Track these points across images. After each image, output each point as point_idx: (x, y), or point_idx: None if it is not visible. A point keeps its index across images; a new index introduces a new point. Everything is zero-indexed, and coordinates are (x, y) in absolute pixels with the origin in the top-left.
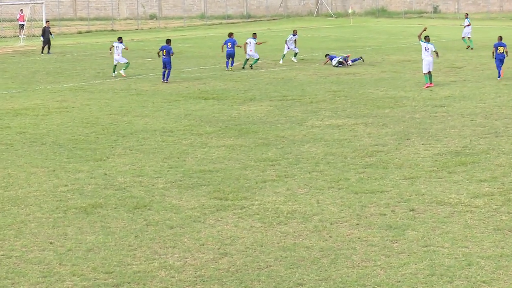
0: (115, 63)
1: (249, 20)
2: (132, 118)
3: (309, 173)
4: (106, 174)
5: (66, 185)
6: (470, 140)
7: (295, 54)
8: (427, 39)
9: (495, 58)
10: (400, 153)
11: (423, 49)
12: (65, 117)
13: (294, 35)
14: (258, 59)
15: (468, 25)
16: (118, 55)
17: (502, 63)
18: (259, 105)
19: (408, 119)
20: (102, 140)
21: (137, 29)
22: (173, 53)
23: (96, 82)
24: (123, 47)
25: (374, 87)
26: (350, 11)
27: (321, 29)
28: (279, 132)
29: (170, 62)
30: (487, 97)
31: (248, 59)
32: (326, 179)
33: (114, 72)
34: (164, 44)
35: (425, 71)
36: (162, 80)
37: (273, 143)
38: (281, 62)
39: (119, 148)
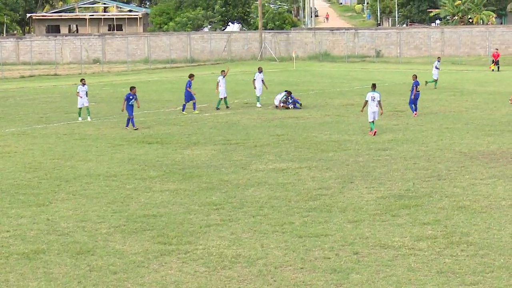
0: (79, 106)
1: (193, 64)
2: (76, 162)
3: (253, 217)
4: (49, 220)
5: (8, 231)
6: (413, 183)
7: (258, 98)
8: (373, 87)
9: (413, 97)
10: (344, 196)
11: (369, 98)
12: (7, 162)
13: (260, 73)
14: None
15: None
16: (82, 97)
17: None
18: (203, 149)
19: (352, 163)
20: (45, 185)
21: (80, 73)
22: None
23: (39, 126)
24: (87, 90)
25: (318, 131)
26: (293, 55)
27: (265, 73)
28: (223, 176)
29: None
30: (429, 140)
31: (224, 98)
32: (271, 223)
33: (80, 116)
34: (129, 92)
35: (370, 119)
36: (126, 127)
37: (217, 187)
38: (259, 105)
39: (62, 193)
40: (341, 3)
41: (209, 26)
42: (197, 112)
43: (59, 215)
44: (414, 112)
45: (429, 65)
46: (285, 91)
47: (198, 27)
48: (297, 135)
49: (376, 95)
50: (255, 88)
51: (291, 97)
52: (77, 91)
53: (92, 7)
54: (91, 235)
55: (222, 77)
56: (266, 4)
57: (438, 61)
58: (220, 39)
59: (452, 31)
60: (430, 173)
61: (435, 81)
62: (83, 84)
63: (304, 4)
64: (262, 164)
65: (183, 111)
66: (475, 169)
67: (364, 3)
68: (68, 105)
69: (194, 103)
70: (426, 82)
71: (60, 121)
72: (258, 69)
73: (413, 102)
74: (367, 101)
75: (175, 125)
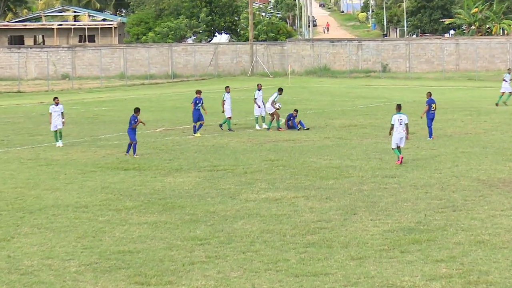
0: (53, 129)
1: (175, 80)
2: (41, 191)
3: (243, 253)
4: (10, 257)
5: None
6: (425, 215)
7: (263, 118)
8: (398, 108)
9: (427, 117)
10: (346, 230)
11: (396, 121)
12: None
13: (259, 90)
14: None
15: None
16: (57, 119)
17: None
18: (186, 176)
19: (355, 192)
20: (6, 217)
21: (47, 91)
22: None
23: (0, 150)
24: (62, 110)
25: (317, 156)
26: (289, 70)
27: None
28: (209, 207)
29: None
30: (443, 166)
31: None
32: (263, 260)
33: (57, 141)
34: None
35: (393, 145)
36: (127, 154)
37: (202, 220)
38: (258, 127)
39: (26, 226)
40: (342, 11)
41: (193, 37)
42: (199, 135)
43: (22, 251)
44: (429, 136)
45: (441, 81)
46: (295, 110)
47: (180, 38)
48: (293, 160)
49: (404, 117)
50: (259, 106)
51: (293, 117)
52: (49, 111)
53: (61, 15)
54: (59, 274)
55: (227, 93)
56: (257, 13)
57: (508, 73)
58: (205, 51)
59: (468, 42)
60: (444, 204)
61: (505, 94)
62: (57, 104)
63: (301, 12)
64: (253, 193)
65: (194, 133)
66: (495, 198)
67: (368, 11)
68: (33, 126)
69: (200, 125)
70: (497, 104)
71: (24, 145)
72: (257, 86)
73: (428, 123)
74: (393, 124)
75: (155, 149)
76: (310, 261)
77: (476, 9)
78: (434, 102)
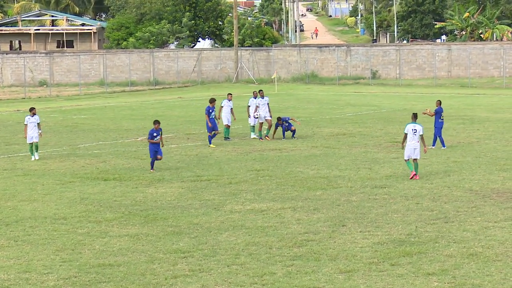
0: (29, 141)
1: (156, 87)
2: (18, 203)
3: (228, 266)
4: None
5: None
6: (416, 227)
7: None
8: (414, 117)
9: (436, 127)
10: (335, 242)
11: (410, 130)
12: None
13: (258, 97)
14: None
15: None
16: (33, 130)
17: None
18: (168, 186)
19: (344, 203)
20: None
21: (24, 98)
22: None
23: None
24: (38, 121)
25: (304, 165)
26: (274, 75)
27: (241, 97)
28: (193, 218)
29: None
30: (434, 177)
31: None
32: (248, 274)
33: (33, 154)
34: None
35: (406, 157)
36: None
37: (186, 232)
38: (252, 136)
39: (2, 239)
40: (330, 16)
41: (175, 43)
42: (213, 146)
43: None
44: (442, 146)
45: (433, 88)
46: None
47: (163, 44)
48: (279, 170)
49: (419, 127)
50: (251, 116)
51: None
52: (25, 123)
53: (38, 20)
54: None
55: (227, 100)
56: (243, 17)
57: None
58: (188, 57)
59: (461, 48)
60: (435, 215)
61: None
62: (33, 115)
63: (287, 17)
64: (238, 205)
65: (210, 144)
66: (488, 209)
67: (357, 15)
68: (9, 135)
69: (214, 134)
70: None
71: (0, 154)
72: (253, 93)
73: (437, 133)
74: (407, 134)
75: (136, 159)
76: (297, 275)
77: (468, 13)
78: (442, 111)
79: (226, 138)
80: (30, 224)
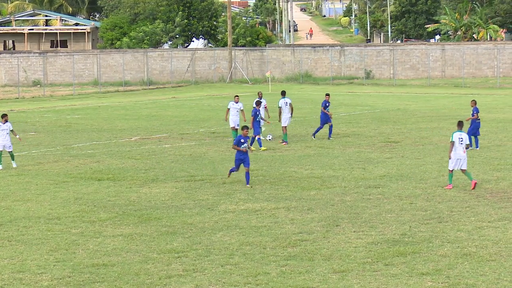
0: (0, 149)
1: (150, 87)
2: (12, 203)
3: (222, 266)
4: None
5: None
6: (410, 227)
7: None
8: (460, 125)
9: (472, 127)
10: (329, 242)
11: (457, 139)
12: None
13: (260, 99)
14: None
15: None
16: (5, 138)
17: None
18: (162, 186)
19: (338, 203)
20: None
21: (17, 98)
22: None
23: None
24: (11, 128)
25: (298, 165)
26: (268, 74)
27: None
28: (187, 218)
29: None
30: (428, 176)
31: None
32: (242, 274)
33: (1, 163)
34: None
35: (451, 167)
36: (260, 147)
37: (179, 232)
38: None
39: None
40: (324, 16)
41: (169, 42)
42: (265, 148)
43: None
44: (476, 147)
45: (427, 88)
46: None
47: (156, 44)
48: (273, 170)
49: (465, 136)
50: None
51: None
52: None
53: (32, 19)
54: None
55: (233, 103)
56: (237, 17)
57: None
58: (182, 57)
59: (455, 48)
60: (429, 215)
61: None
62: (5, 121)
63: (281, 17)
64: (232, 204)
65: (260, 146)
66: (482, 209)
67: (351, 15)
68: None
69: (259, 139)
70: None
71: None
72: (258, 94)
73: (472, 133)
74: (454, 142)
75: (130, 159)
76: (291, 274)
77: (458, 15)
78: (478, 111)
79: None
80: (24, 224)
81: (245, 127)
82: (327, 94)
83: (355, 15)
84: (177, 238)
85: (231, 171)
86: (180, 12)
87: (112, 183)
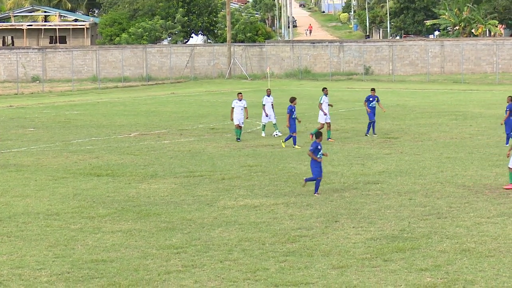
0: None
1: (149, 82)
2: (11, 199)
3: (221, 262)
4: None
5: None
6: (409, 223)
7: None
8: None
9: (508, 124)
10: (328, 238)
11: None
12: None
13: (268, 96)
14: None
15: None
16: None
17: None
18: (161, 182)
19: (337, 198)
20: None
21: (16, 94)
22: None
23: None
24: None
25: (297, 161)
26: (267, 71)
27: (234, 93)
28: (186, 214)
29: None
30: (427, 172)
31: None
32: (241, 269)
33: None
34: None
35: (510, 165)
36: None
37: (178, 228)
38: (263, 135)
39: None
40: (323, 12)
41: (168, 38)
42: (299, 147)
43: None
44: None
45: (426, 84)
46: (372, 89)
47: (155, 40)
48: (272, 166)
49: None
50: (267, 115)
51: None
52: None
53: (31, 15)
54: (29, 284)
55: (237, 100)
56: (236, 13)
57: None
58: (181, 53)
59: (454, 44)
60: (428, 211)
61: None
62: None
63: (280, 13)
64: (231, 200)
65: (294, 144)
66: (481, 205)
67: (350, 11)
68: (2, 131)
69: (294, 137)
70: None
71: None
72: (267, 91)
73: (508, 130)
74: None
75: (129, 155)
76: (290, 270)
77: (457, 10)
78: None
79: (238, 139)
80: (23, 220)
81: (319, 134)
82: (373, 89)
83: (354, 11)
84: (176, 234)
85: (313, 180)
86: (180, 9)
87: (111, 179)
